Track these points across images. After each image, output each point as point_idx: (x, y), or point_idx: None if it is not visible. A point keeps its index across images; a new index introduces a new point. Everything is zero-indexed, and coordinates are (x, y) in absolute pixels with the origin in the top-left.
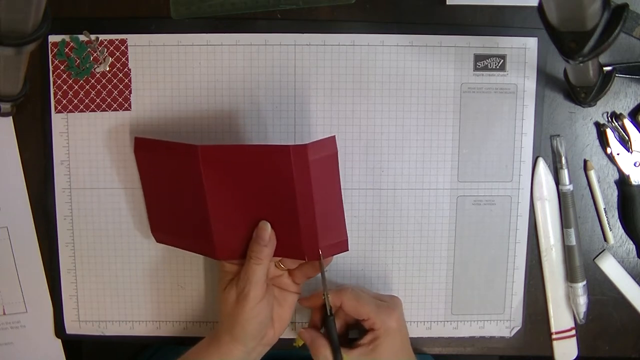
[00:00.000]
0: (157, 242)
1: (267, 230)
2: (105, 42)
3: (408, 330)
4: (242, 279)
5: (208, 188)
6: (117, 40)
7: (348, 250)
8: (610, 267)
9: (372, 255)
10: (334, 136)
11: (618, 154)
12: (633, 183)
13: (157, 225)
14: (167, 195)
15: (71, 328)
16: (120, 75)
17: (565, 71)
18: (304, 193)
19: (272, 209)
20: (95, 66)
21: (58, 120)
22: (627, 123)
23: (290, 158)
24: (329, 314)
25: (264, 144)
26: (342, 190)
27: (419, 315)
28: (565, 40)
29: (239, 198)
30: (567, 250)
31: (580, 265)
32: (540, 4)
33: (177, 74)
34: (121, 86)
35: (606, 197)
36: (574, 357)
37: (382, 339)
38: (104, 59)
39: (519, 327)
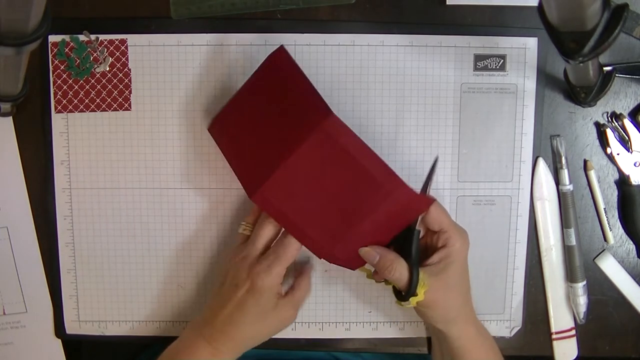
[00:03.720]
0: (208, 130)
1: (293, 245)
2: (105, 42)
3: (408, 330)
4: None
5: (299, 151)
6: (117, 40)
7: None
8: (610, 267)
9: None
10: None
11: (618, 154)
12: (633, 183)
13: (223, 120)
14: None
15: (71, 328)
16: (120, 75)
17: (565, 71)
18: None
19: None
20: (95, 66)
21: (58, 120)
22: (627, 123)
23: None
24: (415, 226)
25: (398, 180)
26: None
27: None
28: (565, 40)
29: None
30: (567, 250)
31: (580, 265)
32: (540, 4)
33: (177, 74)
34: (121, 86)
35: (606, 197)
36: (574, 357)
37: (453, 257)
38: (104, 59)
39: (519, 327)
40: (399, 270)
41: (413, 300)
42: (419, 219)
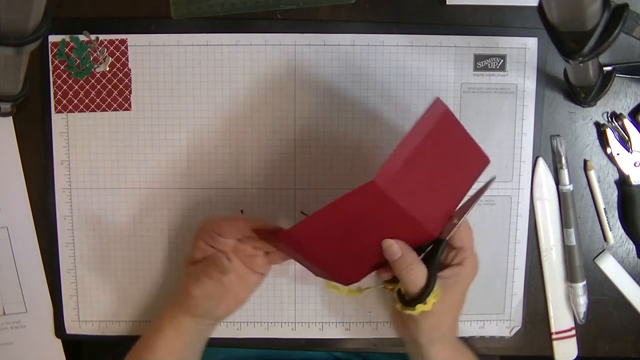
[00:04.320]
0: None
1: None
2: (105, 42)
3: None
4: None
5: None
6: (117, 40)
7: (489, 161)
8: (610, 267)
9: None
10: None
11: (618, 154)
12: (633, 183)
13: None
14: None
15: (71, 328)
16: (120, 75)
17: (565, 71)
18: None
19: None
20: (95, 66)
21: (58, 120)
22: (627, 123)
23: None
24: (446, 237)
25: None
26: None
27: None
28: (565, 40)
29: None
30: (567, 250)
31: (580, 265)
32: (540, 4)
33: (177, 74)
34: (121, 86)
35: (606, 197)
36: (574, 357)
37: (463, 277)
38: (104, 59)
39: (519, 327)
40: (418, 273)
41: (419, 308)
42: (453, 231)
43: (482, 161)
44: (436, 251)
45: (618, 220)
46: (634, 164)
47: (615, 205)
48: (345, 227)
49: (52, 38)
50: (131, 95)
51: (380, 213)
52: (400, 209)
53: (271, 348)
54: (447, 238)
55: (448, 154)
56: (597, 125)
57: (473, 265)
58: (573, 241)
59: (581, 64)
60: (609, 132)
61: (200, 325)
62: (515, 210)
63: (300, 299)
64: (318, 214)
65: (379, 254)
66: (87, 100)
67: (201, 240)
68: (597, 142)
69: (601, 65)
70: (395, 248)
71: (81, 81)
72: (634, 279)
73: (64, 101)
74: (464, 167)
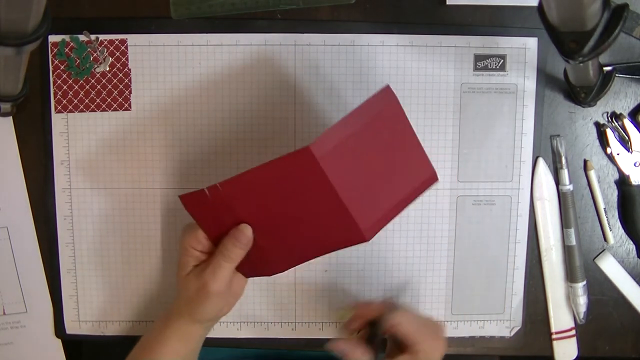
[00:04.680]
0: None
1: (245, 234)
2: (105, 42)
3: None
4: (208, 272)
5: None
6: (117, 40)
7: (437, 180)
8: (610, 267)
9: (372, 255)
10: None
11: (618, 154)
12: (633, 183)
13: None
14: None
15: (71, 328)
16: (120, 75)
17: (565, 71)
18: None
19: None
20: (95, 66)
21: (58, 120)
22: (627, 123)
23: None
24: (379, 336)
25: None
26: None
27: None
28: (565, 40)
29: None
30: (567, 250)
31: (580, 265)
32: (540, 4)
33: (177, 74)
34: (121, 86)
35: (606, 197)
36: (574, 357)
37: None
38: (104, 59)
39: (519, 327)
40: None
41: None
42: (388, 318)
43: (429, 175)
44: (377, 349)
45: (618, 220)
46: (634, 164)
47: (615, 205)
48: (274, 194)
49: (52, 38)
50: (131, 95)
51: (310, 188)
52: (331, 188)
53: (271, 348)
54: (384, 337)
55: (389, 149)
56: (597, 125)
57: (428, 352)
58: (573, 241)
59: (581, 64)
60: (609, 132)
61: (205, 330)
62: (515, 210)
63: (300, 299)
64: (248, 172)
65: (305, 239)
66: (87, 100)
67: (190, 247)
68: (597, 142)
69: (601, 65)
70: (341, 347)
71: (81, 81)
72: (634, 279)
73: (64, 101)
74: (405, 171)
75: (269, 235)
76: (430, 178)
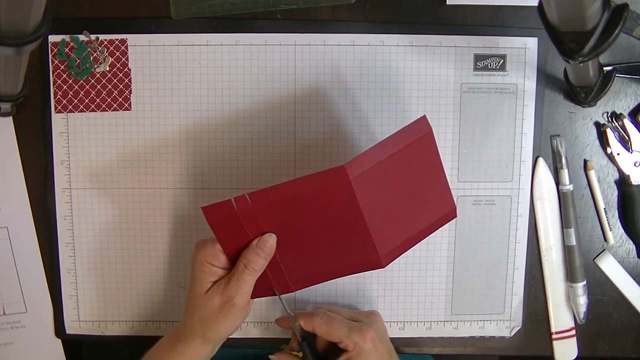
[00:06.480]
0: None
1: (269, 243)
2: (105, 42)
3: (408, 330)
4: (233, 287)
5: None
6: (117, 40)
7: (456, 216)
8: (610, 267)
9: None
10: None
11: (618, 154)
12: (633, 183)
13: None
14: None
15: (71, 328)
16: (120, 75)
17: (565, 71)
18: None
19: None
20: (95, 66)
21: (58, 120)
22: (627, 123)
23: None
24: (300, 340)
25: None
26: None
27: (419, 315)
28: (565, 40)
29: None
30: (567, 250)
31: (580, 265)
32: (540, 4)
33: (177, 74)
34: (121, 86)
35: (606, 197)
36: (574, 357)
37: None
38: (104, 59)
39: (519, 327)
40: None
41: None
42: (303, 334)
43: (449, 211)
44: (305, 354)
45: (618, 220)
46: (634, 164)
47: (615, 205)
48: (300, 210)
49: (52, 38)
50: (131, 95)
51: (337, 207)
52: (357, 209)
53: (271, 348)
54: (304, 339)
55: (417, 179)
56: (597, 125)
57: (357, 345)
58: (573, 241)
59: (581, 64)
60: (609, 132)
61: (212, 352)
62: (515, 210)
63: (301, 299)
64: (278, 186)
65: (322, 259)
66: (87, 100)
67: (207, 262)
68: (597, 142)
69: (601, 65)
70: None
71: (81, 81)
72: (634, 279)
73: (64, 101)
74: (428, 203)
75: (288, 251)
76: (450, 213)
